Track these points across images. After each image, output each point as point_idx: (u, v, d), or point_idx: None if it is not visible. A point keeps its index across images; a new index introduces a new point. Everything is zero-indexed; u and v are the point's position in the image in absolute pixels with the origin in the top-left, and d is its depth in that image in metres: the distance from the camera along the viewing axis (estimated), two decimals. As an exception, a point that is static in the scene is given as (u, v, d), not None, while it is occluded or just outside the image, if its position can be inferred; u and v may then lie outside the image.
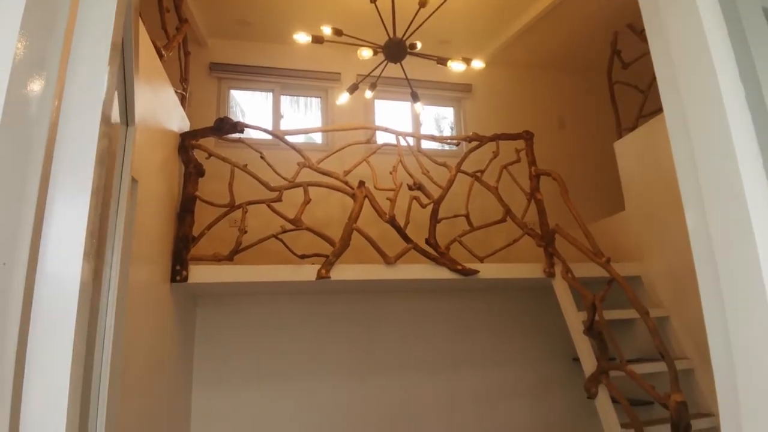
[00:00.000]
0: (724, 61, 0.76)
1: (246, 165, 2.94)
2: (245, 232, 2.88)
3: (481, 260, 3.28)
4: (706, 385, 2.71)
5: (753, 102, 0.75)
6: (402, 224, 3.03)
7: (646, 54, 3.58)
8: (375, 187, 3.18)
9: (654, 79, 3.29)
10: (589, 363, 2.81)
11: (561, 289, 3.11)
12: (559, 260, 3.11)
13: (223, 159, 2.92)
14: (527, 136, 3.40)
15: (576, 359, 3.80)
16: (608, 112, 4.02)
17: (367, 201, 3.00)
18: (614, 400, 2.66)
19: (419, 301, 3.70)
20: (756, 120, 0.74)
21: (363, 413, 3.41)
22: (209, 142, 3.43)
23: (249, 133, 3.71)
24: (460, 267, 3.04)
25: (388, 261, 2.97)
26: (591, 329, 2.71)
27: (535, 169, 3.34)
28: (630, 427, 2.47)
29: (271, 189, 2.97)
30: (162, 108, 2.44)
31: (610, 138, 3.90)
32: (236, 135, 3.01)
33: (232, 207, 2.88)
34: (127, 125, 1.22)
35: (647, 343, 3.26)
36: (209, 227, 2.87)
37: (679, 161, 0.87)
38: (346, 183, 3.04)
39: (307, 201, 3.00)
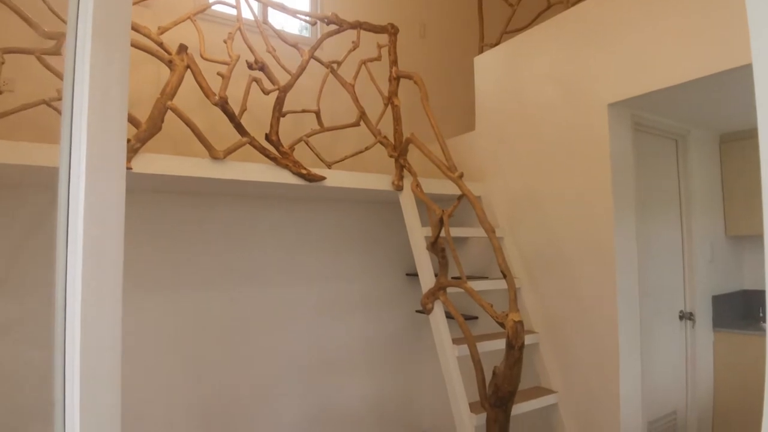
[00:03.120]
0: None
1: (-2, -10, 1.97)
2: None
3: (329, 166, 2.89)
4: (531, 304, 2.86)
5: None
6: (237, 112, 2.43)
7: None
8: (202, 57, 2.48)
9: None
10: (428, 279, 2.72)
11: (408, 202, 2.93)
12: (410, 173, 2.89)
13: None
14: (392, 31, 2.99)
15: (409, 275, 3.81)
16: (473, 24, 3.82)
17: (190, 76, 2.31)
18: (448, 316, 2.64)
19: (252, 209, 3.20)
20: None
21: (180, 330, 2.90)
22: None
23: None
24: (304, 171, 2.60)
25: (216, 156, 2.38)
26: (435, 245, 2.59)
27: (396, 70, 2.97)
28: (462, 342, 2.46)
29: (45, 35, 2.07)
30: None
31: (471, 53, 3.73)
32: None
33: (-30, 49, 1.93)
34: None
35: (479, 262, 3.34)
36: (-71, 76, 1.89)
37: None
38: (161, 45, 2.27)
39: (102, 62, 2.17)
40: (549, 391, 2.66)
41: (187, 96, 2.59)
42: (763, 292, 3.32)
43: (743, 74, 2.06)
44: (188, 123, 2.24)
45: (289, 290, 3.31)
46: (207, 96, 2.31)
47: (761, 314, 3.25)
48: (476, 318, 3.20)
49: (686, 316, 2.96)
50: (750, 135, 3.23)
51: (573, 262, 2.65)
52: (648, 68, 2.33)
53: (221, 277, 3.07)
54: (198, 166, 2.34)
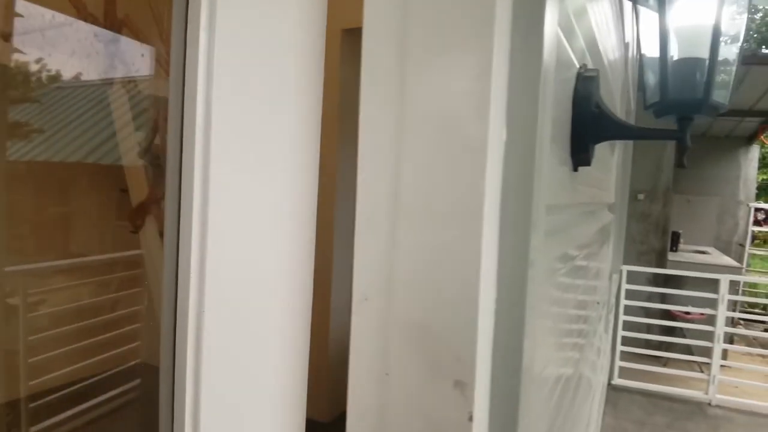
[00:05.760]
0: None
1: None
2: None
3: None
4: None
5: None
6: None
7: None
8: None
9: None
10: (139, 192, 2.39)
11: (119, 103, 2.49)
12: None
13: None
14: None
15: (124, 190, 3.31)
16: None
17: None
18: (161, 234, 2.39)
19: None
20: None
21: None
22: None
23: None
24: None
25: None
26: (148, 152, 2.27)
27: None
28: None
29: None
30: None
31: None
32: None
33: None
34: None
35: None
36: None
37: None
38: None
39: None
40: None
41: None
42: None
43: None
44: None
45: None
46: None
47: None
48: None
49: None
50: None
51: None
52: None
53: None
54: None
